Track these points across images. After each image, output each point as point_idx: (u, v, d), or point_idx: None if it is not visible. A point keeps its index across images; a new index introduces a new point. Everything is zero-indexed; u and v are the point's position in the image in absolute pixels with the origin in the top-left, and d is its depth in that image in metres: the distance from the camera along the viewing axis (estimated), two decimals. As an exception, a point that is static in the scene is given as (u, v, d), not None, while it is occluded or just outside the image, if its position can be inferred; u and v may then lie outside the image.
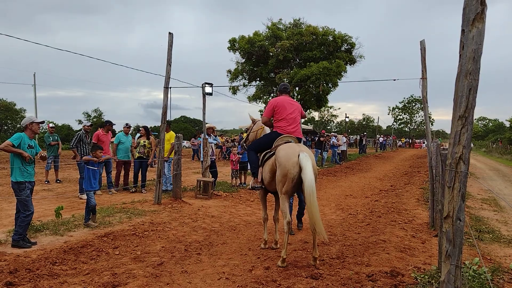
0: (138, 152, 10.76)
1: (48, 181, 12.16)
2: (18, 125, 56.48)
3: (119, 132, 11.88)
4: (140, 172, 10.88)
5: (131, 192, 10.59)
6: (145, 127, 11.28)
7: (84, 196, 9.33)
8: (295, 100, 6.06)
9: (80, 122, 58.39)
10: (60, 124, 55.20)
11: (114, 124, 11.05)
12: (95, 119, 55.57)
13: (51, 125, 13.13)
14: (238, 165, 12.17)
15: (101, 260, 5.12)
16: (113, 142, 11.37)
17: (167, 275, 4.61)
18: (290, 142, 5.40)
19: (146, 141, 10.86)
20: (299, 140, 5.69)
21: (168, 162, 10.59)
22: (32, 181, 5.82)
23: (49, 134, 12.28)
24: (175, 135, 10.05)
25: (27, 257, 4.99)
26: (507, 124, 55.88)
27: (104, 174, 10.04)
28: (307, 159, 4.85)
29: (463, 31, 2.97)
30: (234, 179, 12.36)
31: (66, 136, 47.57)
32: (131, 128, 11.29)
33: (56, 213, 6.92)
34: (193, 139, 14.77)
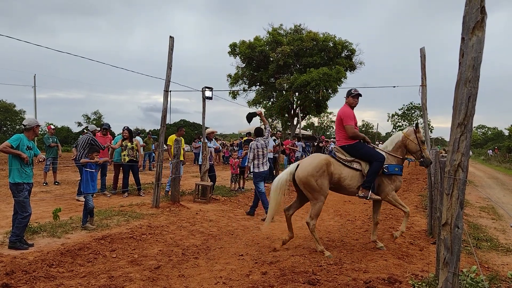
0: (127, 156, 10.58)
1: (46, 183, 12.14)
2: (18, 126, 56.41)
3: (118, 135, 11.85)
4: (132, 175, 10.82)
5: (125, 197, 10.47)
6: (128, 130, 11.00)
7: (82, 198, 9.32)
8: (343, 110, 6.20)
9: (79, 124, 58.29)
10: (59, 126, 55.16)
11: (108, 129, 11.03)
12: (94, 122, 55.46)
13: (52, 126, 13.11)
14: (238, 169, 12.14)
15: (98, 263, 5.10)
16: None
17: (164, 279, 4.59)
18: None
19: (133, 143, 10.76)
20: (342, 148, 6.07)
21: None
22: (30, 182, 5.82)
23: (49, 136, 12.27)
24: (174, 138, 10.10)
25: (23, 259, 4.97)
26: (506, 133, 56.00)
27: (98, 176, 9.98)
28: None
29: (463, 39, 2.99)
30: (233, 183, 12.33)
31: (65, 138, 47.46)
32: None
33: (54, 215, 6.91)
34: (194, 142, 14.75)
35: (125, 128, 11.21)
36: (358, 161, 5.92)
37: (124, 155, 10.55)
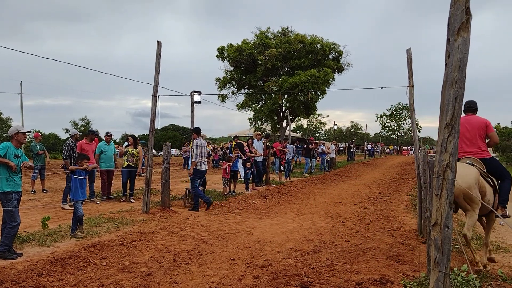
0: (126, 161, 10.67)
1: (34, 191, 11.98)
2: (5, 135, 55.69)
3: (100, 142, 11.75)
4: (128, 181, 10.80)
5: (121, 201, 10.50)
6: (133, 136, 11.31)
7: (67, 206, 9.25)
8: (476, 117, 5.74)
9: (67, 130, 57.79)
10: (46, 133, 54.56)
11: (97, 133, 10.98)
12: (82, 128, 55.08)
13: (39, 133, 12.96)
14: (230, 173, 12.10)
15: (88, 271, 5.04)
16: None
17: (155, 286, 4.56)
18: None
19: (134, 150, 10.81)
20: (483, 161, 5.52)
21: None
22: (19, 191, 5.74)
23: (36, 143, 12.12)
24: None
25: (13, 269, 4.89)
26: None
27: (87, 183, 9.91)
28: None
29: (448, 40, 3.02)
30: (225, 187, 12.28)
31: (52, 145, 46.99)
32: (118, 137, 11.24)
33: (43, 223, 6.82)
34: (183, 147, 14.72)
35: (109, 133, 11.13)
36: (490, 176, 5.47)
37: (124, 160, 10.69)
